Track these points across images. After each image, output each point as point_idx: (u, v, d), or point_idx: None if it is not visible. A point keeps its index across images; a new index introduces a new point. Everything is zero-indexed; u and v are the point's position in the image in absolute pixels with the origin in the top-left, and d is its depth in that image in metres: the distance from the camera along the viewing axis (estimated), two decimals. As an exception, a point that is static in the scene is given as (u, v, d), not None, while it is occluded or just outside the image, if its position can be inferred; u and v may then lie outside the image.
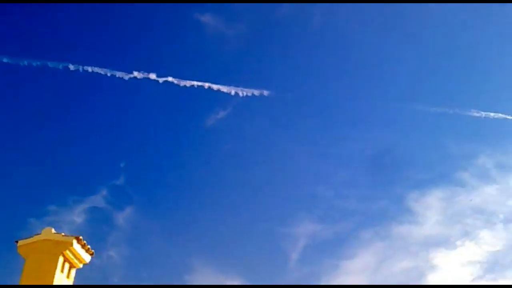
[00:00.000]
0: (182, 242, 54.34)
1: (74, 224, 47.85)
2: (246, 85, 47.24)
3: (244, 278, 52.75)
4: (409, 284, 48.87)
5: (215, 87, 45.08)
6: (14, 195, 48.41)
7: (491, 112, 50.73)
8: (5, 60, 42.74)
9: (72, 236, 17.15)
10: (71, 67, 43.27)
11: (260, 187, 58.23)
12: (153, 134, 56.77)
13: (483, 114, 50.78)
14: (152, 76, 44.46)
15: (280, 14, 55.12)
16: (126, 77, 45.83)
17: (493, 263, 51.62)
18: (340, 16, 55.98)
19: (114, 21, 51.63)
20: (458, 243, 52.90)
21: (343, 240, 55.22)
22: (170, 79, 44.99)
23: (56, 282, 16.60)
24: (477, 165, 54.28)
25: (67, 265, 17.40)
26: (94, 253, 18.13)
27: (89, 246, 17.80)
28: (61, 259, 16.97)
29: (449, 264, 52.22)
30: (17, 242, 17.29)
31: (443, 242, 53.97)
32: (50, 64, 43.45)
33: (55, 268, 16.70)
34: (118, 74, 45.12)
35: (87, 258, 17.96)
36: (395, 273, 53.09)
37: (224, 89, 45.56)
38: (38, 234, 17.10)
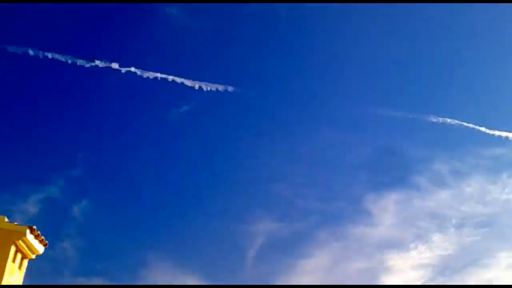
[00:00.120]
0: (138, 236, 53.69)
1: (28, 214, 46.61)
2: (210, 80, 46.85)
3: (200, 274, 52.64)
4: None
5: (179, 80, 44.49)
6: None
7: (448, 118, 52.24)
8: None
9: (25, 226, 16.72)
10: (31, 52, 41.92)
11: (219, 184, 58.10)
12: (113, 125, 55.79)
13: (441, 119, 52.16)
14: (115, 65, 43.45)
15: (248, 11, 55.09)
16: (87, 65, 44.76)
17: (444, 267, 53.17)
18: (307, 15, 56.36)
19: (79, 7, 50.30)
20: (411, 246, 54.26)
21: (300, 239, 55.73)
22: (133, 69, 44.13)
23: (7, 272, 16.14)
24: (433, 170, 55.82)
25: (19, 256, 17.00)
26: (48, 244, 17.69)
27: (43, 237, 17.34)
28: (13, 249, 16.54)
29: (402, 266, 53.55)
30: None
31: (397, 245, 55.27)
32: (9, 49, 41.95)
33: (7, 258, 16.27)
34: (79, 61, 44.05)
35: (40, 249, 17.51)
36: (349, 273, 54.01)
37: (188, 83, 45.07)
38: (-11, 222, 16.62)
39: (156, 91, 51.19)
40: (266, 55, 57.97)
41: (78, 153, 53.65)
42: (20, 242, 16.69)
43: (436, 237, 54.10)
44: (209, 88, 46.36)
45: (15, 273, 16.70)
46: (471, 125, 51.75)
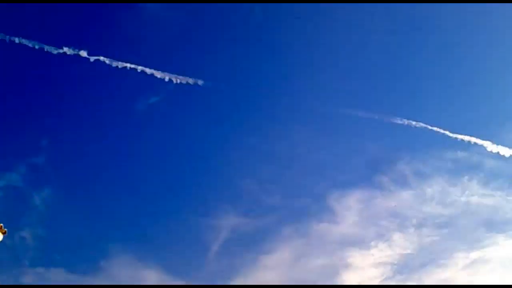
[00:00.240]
0: (100, 227, 53.26)
1: (-14, 201, 45.66)
2: (180, 72, 46.64)
3: (162, 267, 52.54)
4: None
5: (148, 71, 44.09)
6: None
7: (414, 120, 53.31)
8: None
9: (-16, 213, 16.42)
10: (-4, 36, 40.86)
11: (185, 177, 57.94)
12: (80, 114, 55.01)
13: (406, 122, 53.21)
14: (83, 53, 42.82)
15: (222, 6, 55.08)
16: (55, 51, 43.90)
17: (403, 265, 54.36)
18: (280, 14, 56.70)
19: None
20: (372, 244, 55.35)
21: (264, 234, 56.13)
22: (101, 58, 43.54)
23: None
24: (396, 171, 57.04)
25: (-24, 243, 16.64)
26: (6, 232, 17.36)
27: (1, 225, 17.03)
28: (-31, 236, 16.24)
29: (362, 263, 54.53)
30: None
31: (358, 242, 56.15)
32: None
33: (-37, 245, 15.93)
34: (47, 48, 43.16)
35: (-1, 236, 17.18)
36: (311, 269, 54.80)
37: (157, 74, 44.65)
38: None
39: (125, 81, 50.88)
40: (239, 52, 58.14)
41: (42, 140, 52.78)
42: (-22, 229, 16.37)
43: (397, 236, 55.40)
44: (178, 81, 46.07)
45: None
46: (435, 128, 53.06)
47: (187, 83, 45.50)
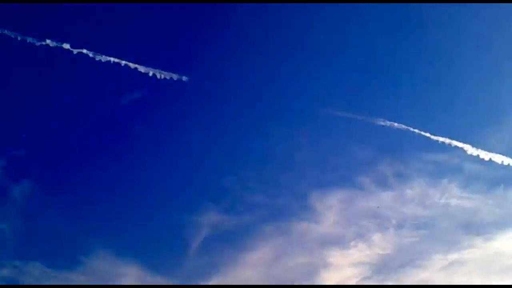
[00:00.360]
0: (80, 221, 52.71)
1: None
2: (165, 68, 46.49)
3: (141, 263, 52.35)
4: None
5: (132, 65, 43.98)
6: None
7: (396, 122, 53.89)
8: None
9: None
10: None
11: (167, 173, 57.62)
12: (62, 107, 54.36)
13: (389, 123, 53.78)
14: (66, 46, 42.57)
15: (210, 4, 55.06)
16: (38, 43, 43.53)
17: (382, 265, 54.91)
18: (265, 14, 56.91)
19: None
20: (352, 243, 55.77)
21: (245, 232, 56.12)
22: (85, 51, 43.34)
23: None
24: (377, 172, 57.45)
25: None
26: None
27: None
28: None
29: (341, 262, 54.96)
30: None
31: (338, 242, 56.46)
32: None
33: None
34: (29, 39, 42.79)
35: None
36: (291, 268, 55.05)
37: (141, 69, 44.58)
38: None
39: (108, 75, 50.23)
40: (224, 49, 58.03)
41: (22, 133, 52.20)
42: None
43: (376, 236, 55.91)
44: (163, 76, 46.03)
45: None
46: (416, 131, 53.80)
47: (171, 79, 45.52)
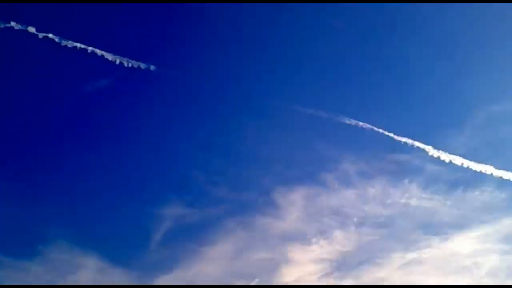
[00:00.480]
0: (38, 210, 51.61)
1: None
2: (132, 56, 45.91)
3: (101, 254, 51.74)
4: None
5: (99, 52, 43.29)
6: None
7: (361, 121, 54.66)
8: None
9: None
10: None
11: (131, 164, 56.99)
12: (23, 92, 53.07)
13: (354, 122, 54.52)
14: (31, 29, 41.60)
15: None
16: (1, 25, 42.44)
17: (342, 262, 55.58)
18: (237, 7, 56.87)
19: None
20: (314, 240, 56.31)
21: (208, 226, 56.02)
22: (50, 35, 42.41)
23: None
24: (341, 170, 58.20)
25: None
26: None
27: None
28: None
29: (302, 259, 55.47)
30: None
31: (300, 238, 56.86)
32: None
33: None
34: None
35: None
36: (252, 262, 55.29)
37: (108, 56, 43.91)
38: None
39: (74, 61, 49.23)
40: (194, 42, 57.77)
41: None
42: None
43: (337, 234, 56.64)
44: (130, 65, 45.48)
45: None
46: (380, 130, 54.68)
47: (139, 68, 45.02)
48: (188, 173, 57.01)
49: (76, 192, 54.33)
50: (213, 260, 54.99)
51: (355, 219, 56.96)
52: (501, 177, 53.80)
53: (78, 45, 43.13)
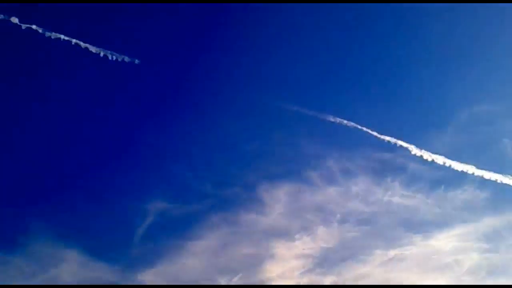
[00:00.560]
0: (20, 202, 51.48)
1: None
2: (117, 50, 45.70)
3: (83, 248, 51.57)
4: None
5: (83, 45, 43.06)
6: None
7: (345, 119, 54.99)
8: None
9: None
10: None
11: (114, 158, 56.79)
12: (3, 82, 52.43)
13: (338, 120, 54.84)
14: (14, 19, 41.21)
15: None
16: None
17: (324, 258, 55.97)
18: (222, 5, 57.02)
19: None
20: (297, 236, 56.63)
21: (192, 221, 56.00)
22: (34, 27, 42.07)
23: None
24: (325, 167, 58.45)
25: None
26: None
27: None
28: None
29: (286, 254, 55.76)
30: None
31: (284, 234, 57.12)
32: None
33: None
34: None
35: None
36: (236, 258, 55.47)
37: (93, 49, 43.69)
38: None
39: (57, 53, 48.80)
40: (179, 38, 57.67)
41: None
42: None
43: (320, 230, 57.00)
44: (115, 58, 45.29)
45: None
46: (364, 129, 55.04)
47: (123, 61, 44.87)
48: (172, 168, 57.04)
49: (59, 186, 54.23)
50: (197, 255, 55.19)
51: (338, 216, 57.43)
52: (482, 177, 54.47)
53: (62, 37, 42.84)
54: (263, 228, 56.96)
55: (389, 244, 56.41)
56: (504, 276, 53.63)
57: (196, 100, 58.02)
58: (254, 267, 54.75)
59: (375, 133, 54.74)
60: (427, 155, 54.77)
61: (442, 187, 57.40)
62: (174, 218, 55.49)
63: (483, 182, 54.79)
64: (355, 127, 54.81)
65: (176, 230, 55.71)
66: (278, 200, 57.68)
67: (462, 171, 54.49)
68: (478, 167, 54.36)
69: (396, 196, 57.57)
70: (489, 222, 55.96)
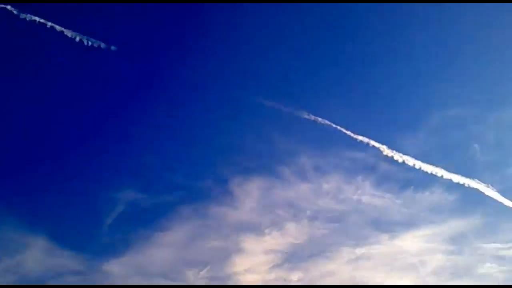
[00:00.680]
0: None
1: None
2: (94, 35, 45.00)
3: (50, 235, 50.97)
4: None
5: (58, 28, 42.29)
6: None
7: (320, 117, 55.35)
8: None
9: None
10: None
11: (86, 145, 56.02)
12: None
13: (313, 117, 55.14)
14: (-13, -2, 40.19)
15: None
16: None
17: (292, 254, 56.38)
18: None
19: None
20: (267, 231, 56.90)
21: (161, 212, 55.76)
22: (9, 7, 41.15)
23: None
24: (297, 163, 58.78)
25: None
26: None
27: None
28: None
29: (254, 249, 55.99)
30: None
31: (254, 229, 57.27)
32: None
33: None
34: None
35: None
36: (204, 250, 55.48)
37: (68, 33, 42.96)
38: None
39: (32, 36, 47.74)
40: (159, 26, 57.16)
41: None
42: None
43: (290, 226, 57.33)
44: (90, 43, 44.65)
45: None
46: (338, 127, 55.51)
47: (99, 47, 44.24)
48: (143, 158, 56.57)
49: (27, 171, 53.25)
50: (166, 246, 55.01)
51: (308, 213, 57.86)
52: (450, 180, 55.44)
53: (37, 19, 42.00)
54: (233, 222, 57.15)
55: (357, 242, 57.13)
56: (467, 277, 54.89)
57: (170, 91, 57.75)
58: (222, 260, 54.96)
59: (348, 132, 55.27)
60: (398, 156, 55.53)
61: (411, 188, 58.36)
62: (144, 209, 55.27)
63: (451, 185, 55.82)
64: (329, 125, 55.25)
65: (145, 220, 55.53)
66: (250, 194, 57.92)
67: (431, 173, 55.42)
68: (447, 170, 55.39)
69: (366, 195, 58.33)
70: (455, 224, 57.13)
